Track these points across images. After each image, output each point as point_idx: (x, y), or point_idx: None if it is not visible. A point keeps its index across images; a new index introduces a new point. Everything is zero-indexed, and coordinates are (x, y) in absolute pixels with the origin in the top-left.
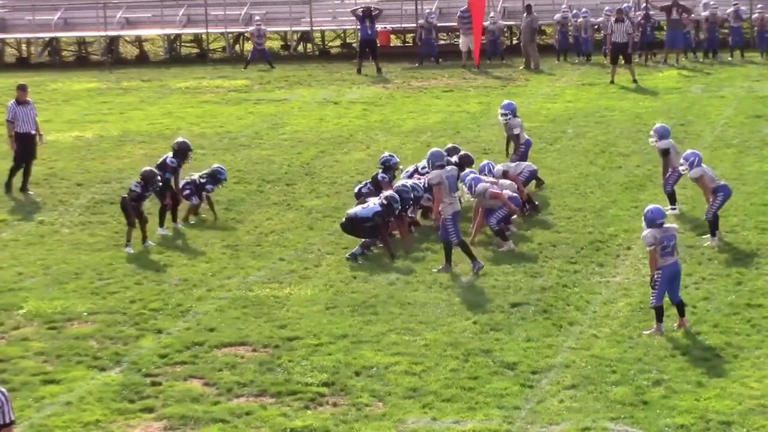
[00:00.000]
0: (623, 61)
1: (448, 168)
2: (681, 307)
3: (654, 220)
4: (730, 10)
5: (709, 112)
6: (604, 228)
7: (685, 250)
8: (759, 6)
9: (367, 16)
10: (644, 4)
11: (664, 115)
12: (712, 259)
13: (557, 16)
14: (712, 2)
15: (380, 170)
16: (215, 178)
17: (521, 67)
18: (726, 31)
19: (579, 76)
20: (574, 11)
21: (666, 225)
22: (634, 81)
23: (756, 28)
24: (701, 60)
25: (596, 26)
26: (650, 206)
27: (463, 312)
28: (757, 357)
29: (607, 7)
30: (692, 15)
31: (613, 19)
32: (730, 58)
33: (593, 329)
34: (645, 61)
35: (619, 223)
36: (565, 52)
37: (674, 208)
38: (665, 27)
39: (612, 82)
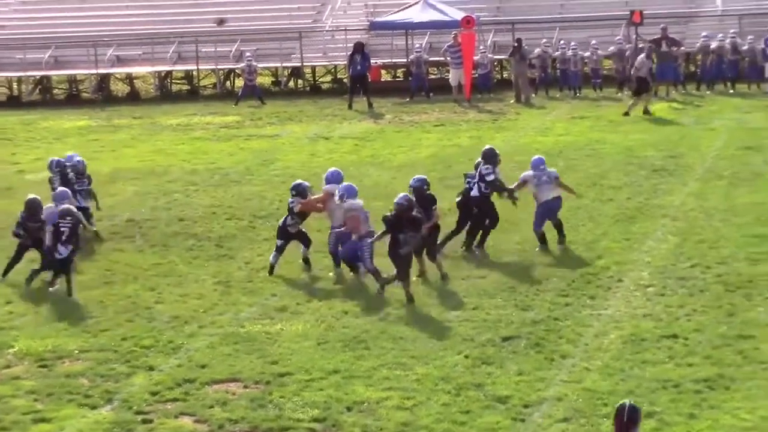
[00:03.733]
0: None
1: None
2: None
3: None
4: (728, 41)
5: (699, 143)
6: (595, 260)
7: (676, 281)
8: (749, 37)
9: (358, 51)
10: (635, 37)
11: (655, 148)
12: (704, 291)
13: (536, 50)
14: (707, 33)
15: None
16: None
17: (512, 101)
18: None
19: (569, 110)
20: (562, 42)
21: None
22: (646, 112)
23: (747, 59)
24: (706, 91)
25: (585, 60)
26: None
27: (454, 346)
28: (748, 389)
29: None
30: (682, 47)
31: (643, 54)
32: (732, 91)
33: (585, 362)
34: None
35: (610, 256)
36: (546, 87)
37: None
38: (655, 60)
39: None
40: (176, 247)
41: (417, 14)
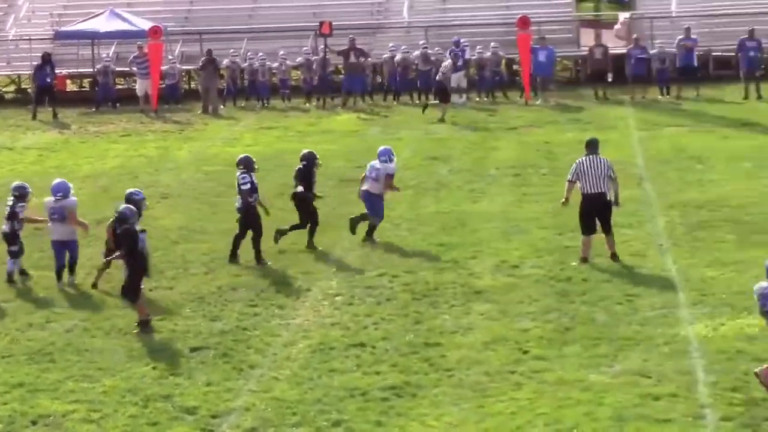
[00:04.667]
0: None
1: None
2: None
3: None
4: (417, 53)
5: None
6: (284, 270)
7: (363, 290)
8: (436, 49)
9: (46, 62)
10: (323, 48)
11: (343, 158)
12: (391, 299)
13: (225, 61)
14: (393, 45)
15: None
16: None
17: (199, 112)
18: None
19: (257, 120)
20: (250, 53)
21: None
22: (441, 120)
23: (474, 70)
24: (393, 102)
25: (273, 70)
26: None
27: (142, 357)
28: (435, 395)
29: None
30: (369, 58)
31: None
32: (417, 102)
33: (274, 371)
34: (323, 105)
35: (299, 265)
36: (234, 97)
37: None
38: (343, 71)
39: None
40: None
41: (103, 24)
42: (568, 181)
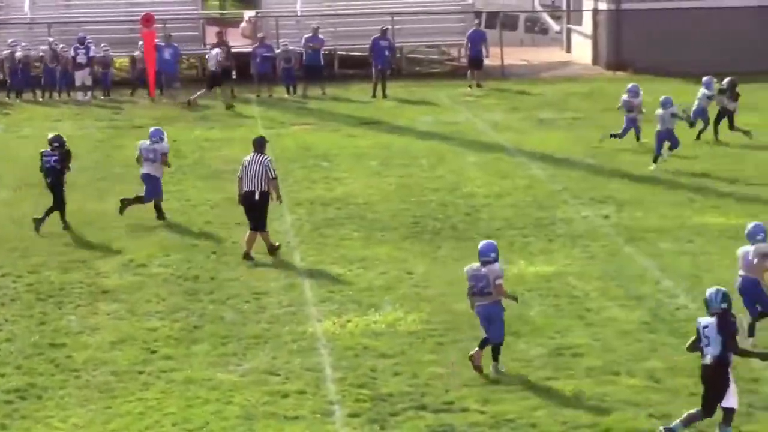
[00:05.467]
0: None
1: None
2: None
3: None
4: (44, 48)
5: (11, 152)
6: None
7: None
8: (61, 45)
9: None
10: None
11: None
12: (15, 300)
13: None
14: (14, 41)
15: None
16: None
17: None
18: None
19: None
20: None
21: None
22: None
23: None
24: (15, 99)
25: None
26: None
27: None
28: (61, 397)
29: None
30: None
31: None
32: (41, 99)
33: None
34: None
35: None
36: None
37: None
38: None
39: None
40: None
41: None
42: (238, 177)
